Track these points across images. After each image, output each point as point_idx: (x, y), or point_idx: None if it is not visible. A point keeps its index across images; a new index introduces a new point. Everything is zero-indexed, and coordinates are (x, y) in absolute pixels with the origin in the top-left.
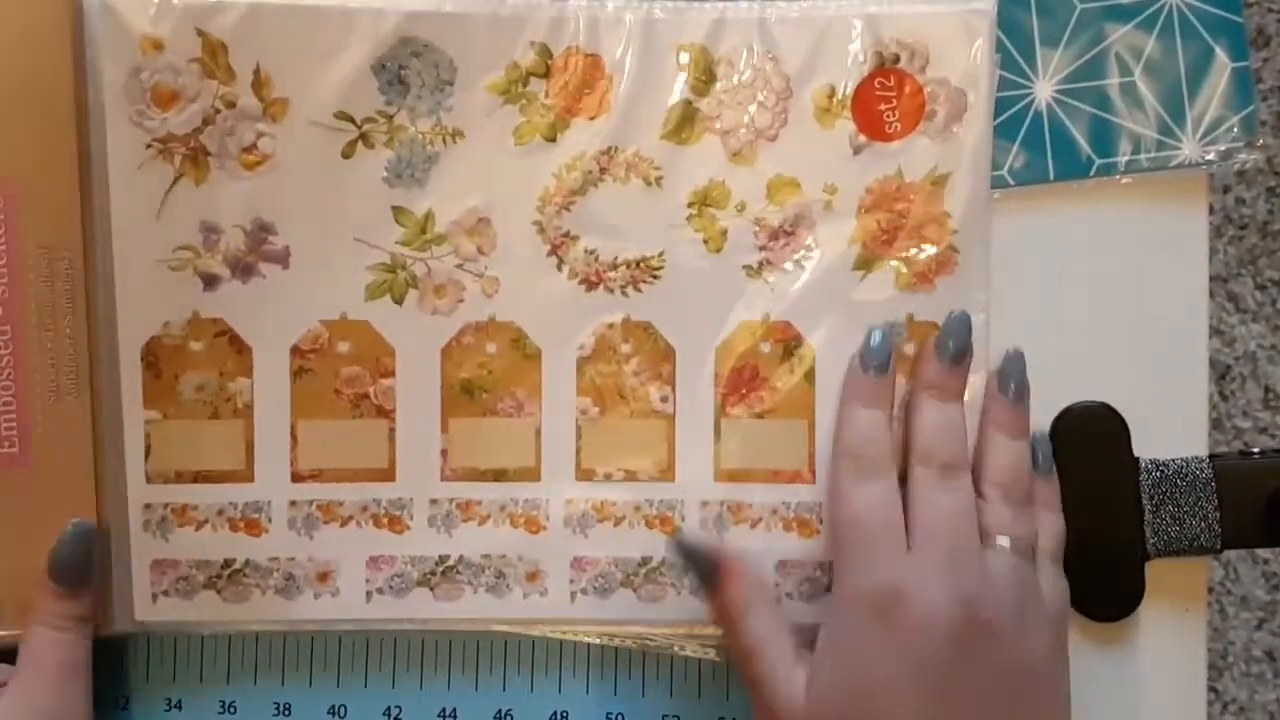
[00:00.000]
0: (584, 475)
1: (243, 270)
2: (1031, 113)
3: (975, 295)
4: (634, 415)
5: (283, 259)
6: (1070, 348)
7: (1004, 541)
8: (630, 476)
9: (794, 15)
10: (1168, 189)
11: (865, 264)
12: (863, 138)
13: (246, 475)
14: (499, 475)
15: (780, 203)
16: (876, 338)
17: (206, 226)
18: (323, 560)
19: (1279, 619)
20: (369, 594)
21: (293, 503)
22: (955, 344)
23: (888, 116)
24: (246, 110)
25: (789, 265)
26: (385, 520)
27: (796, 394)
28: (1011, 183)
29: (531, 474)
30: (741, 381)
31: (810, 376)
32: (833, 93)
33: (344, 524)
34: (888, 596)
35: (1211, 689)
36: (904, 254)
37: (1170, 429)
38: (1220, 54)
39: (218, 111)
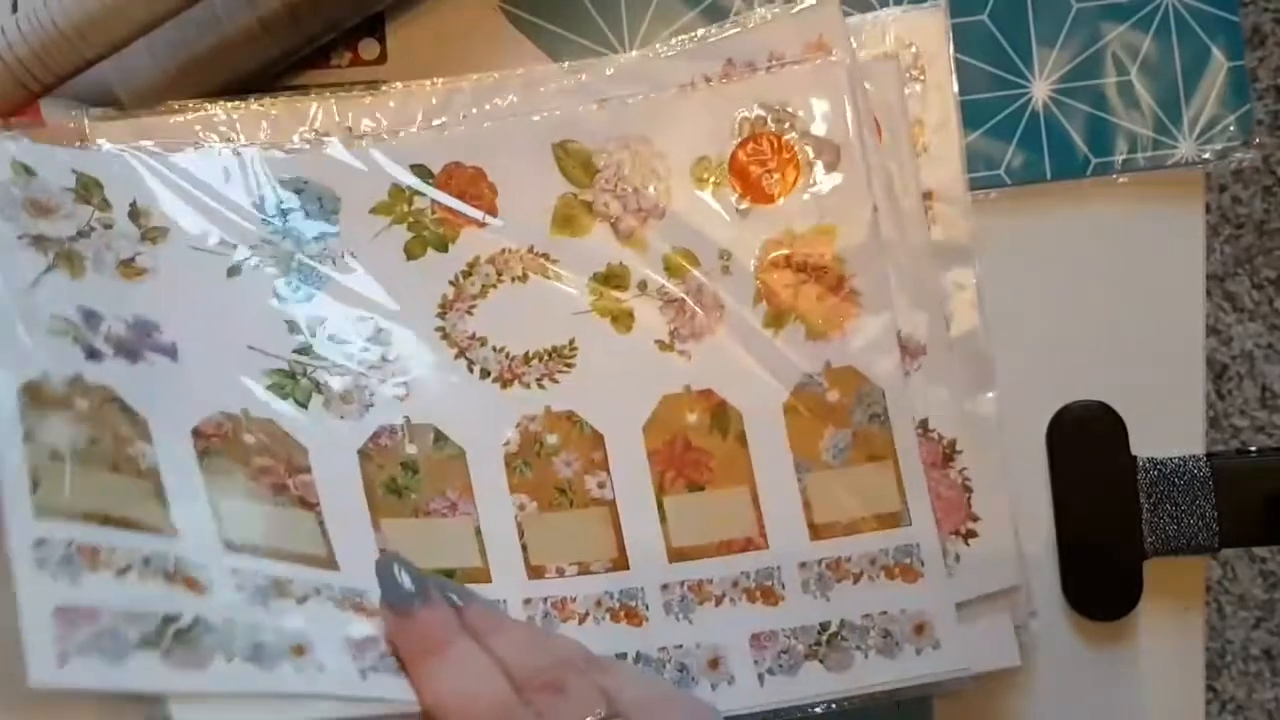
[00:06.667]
0: (535, 573)
1: (128, 354)
2: (1028, 112)
3: (883, 334)
4: (574, 506)
5: (170, 352)
6: (1067, 347)
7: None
8: (584, 569)
9: (654, 96)
10: (1164, 188)
11: (775, 320)
12: (746, 202)
13: (168, 530)
14: (448, 576)
15: (679, 276)
16: (386, 578)
17: (85, 311)
18: (294, 632)
19: (1277, 618)
20: (363, 672)
21: (235, 570)
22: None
23: (766, 178)
24: (124, 232)
25: (701, 334)
26: (348, 604)
27: (732, 459)
28: (1008, 182)
29: (482, 575)
30: (675, 455)
31: (742, 439)
32: (709, 163)
33: (301, 602)
34: None
35: (1210, 688)
36: (809, 305)
37: (1167, 428)
38: (1216, 53)
39: (93, 229)
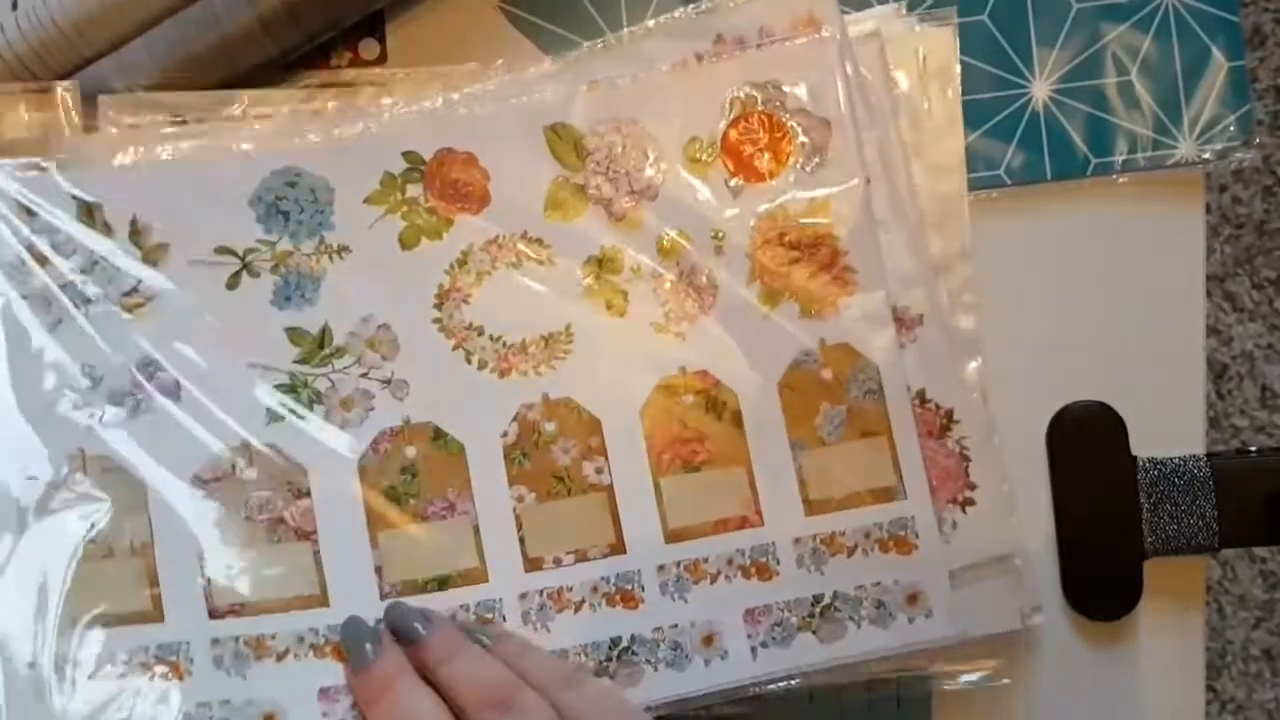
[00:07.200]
0: (532, 565)
1: (131, 406)
2: (1028, 112)
3: (878, 310)
4: (572, 494)
5: (173, 391)
6: (1067, 347)
7: None
8: (581, 557)
9: (644, 77)
10: (1164, 188)
11: (769, 299)
12: (738, 180)
13: (155, 615)
14: (443, 583)
15: (673, 257)
16: (347, 635)
17: (88, 366)
18: (266, 700)
19: (1277, 618)
20: None
21: (216, 640)
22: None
23: (757, 157)
24: (125, 258)
25: (695, 315)
26: (328, 649)
27: (728, 439)
28: (1008, 182)
29: (478, 575)
30: (671, 438)
31: (738, 420)
32: (700, 143)
33: (281, 659)
34: None
35: (1210, 688)
36: (803, 282)
37: (1168, 428)
38: (1216, 53)
39: (95, 264)
